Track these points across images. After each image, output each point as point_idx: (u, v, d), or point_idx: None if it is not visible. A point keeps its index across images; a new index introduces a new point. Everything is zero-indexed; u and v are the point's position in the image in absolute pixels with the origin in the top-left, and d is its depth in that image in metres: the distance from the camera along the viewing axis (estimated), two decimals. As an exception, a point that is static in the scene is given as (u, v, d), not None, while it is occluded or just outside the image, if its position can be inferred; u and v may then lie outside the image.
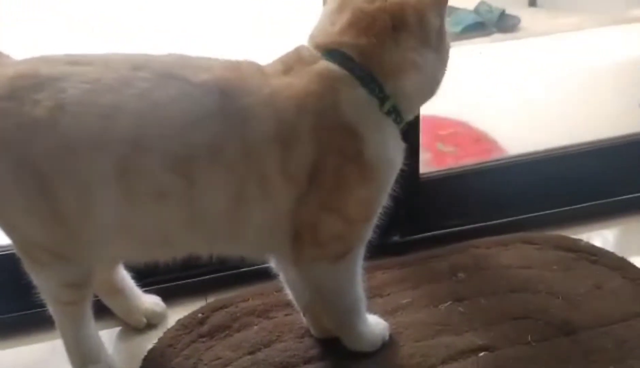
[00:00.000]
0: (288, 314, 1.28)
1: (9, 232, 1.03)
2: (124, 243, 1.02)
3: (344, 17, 0.97)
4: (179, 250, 1.07)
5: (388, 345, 1.18)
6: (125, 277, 1.28)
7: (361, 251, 1.09)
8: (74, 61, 0.94)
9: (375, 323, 1.19)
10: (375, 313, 1.23)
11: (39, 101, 0.90)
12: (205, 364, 1.18)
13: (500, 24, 3.15)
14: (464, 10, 3.25)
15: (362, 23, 0.96)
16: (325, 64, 0.96)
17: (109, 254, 1.10)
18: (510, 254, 1.40)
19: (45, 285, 1.08)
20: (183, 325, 1.27)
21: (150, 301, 1.33)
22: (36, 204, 0.95)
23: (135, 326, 1.31)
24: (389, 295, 1.32)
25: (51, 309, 1.12)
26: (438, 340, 1.19)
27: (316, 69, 0.96)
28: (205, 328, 1.26)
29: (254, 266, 1.36)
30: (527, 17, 3.24)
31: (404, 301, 1.29)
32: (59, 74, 0.92)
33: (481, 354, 1.15)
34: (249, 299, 1.32)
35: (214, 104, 0.92)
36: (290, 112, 0.94)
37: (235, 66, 0.97)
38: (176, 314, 1.32)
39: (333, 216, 1.00)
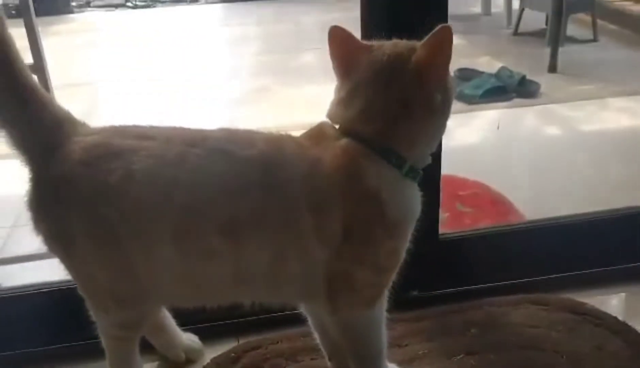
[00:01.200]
0: (314, 358, 1.40)
1: (83, 279, 1.17)
2: (179, 293, 1.16)
3: (357, 104, 1.08)
4: (225, 299, 1.20)
5: (404, 392, 1.30)
6: (167, 316, 1.42)
7: (385, 300, 1.20)
8: (141, 134, 1.09)
9: None
10: (393, 361, 1.34)
11: (113, 169, 1.04)
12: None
13: (520, 89, 3.28)
14: (486, 74, 3.41)
15: (374, 109, 1.07)
16: (347, 141, 1.09)
17: (165, 301, 1.25)
18: (520, 313, 1.51)
19: (105, 324, 1.21)
20: (217, 363, 1.40)
21: (189, 338, 1.46)
22: (108, 258, 1.09)
23: (175, 360, 1.44)
24: (407, 345, 1.43)
25: (105, 342, 1.25)
26: (450, 389, 1.30)
27: (340, 145, 1.08)
28: (238, 367, 1.38)
29: (283, 311, 1.50)
30: (547, 83, 3.38)
31: (421, 352, 1.41)
32: (128, 147, 1.06)
33: (489, 405, 1.26)
34: (278, 342, 1.44)
35: (256, 177, 1.06)
36: (322, 183, 1.06)
37: (277, 140, 1.11)
38: (210, 353, 1.45)
39: (366, 268, 1.11)
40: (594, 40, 4.18)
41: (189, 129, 1.13)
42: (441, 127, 1.14)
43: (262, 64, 4.23)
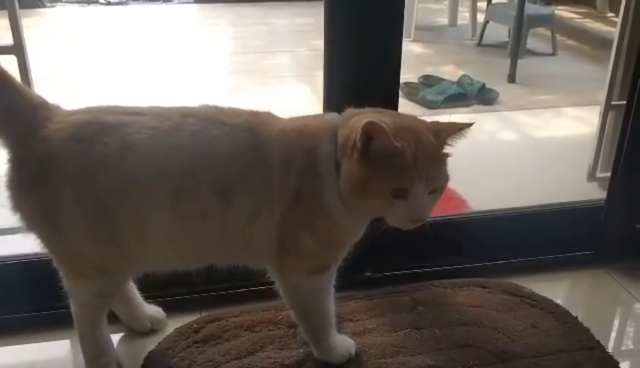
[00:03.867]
0: (271, 329, 1.49)
1: (66, 251, 1.23)
2: (165, 256, 1.25)
3: (345, 132, 1.18)
4: (205, 261, 1.30)
5: (354, 360, 1.40)
6: (133, 289, 1.50)
7: (331, 275, 1.32)
8: (131, 111, 1.18)
9: (344, 340, 1.40)
10: (346, 334, 1.45)
11: (107, 143, 1.13)
12: (199, 365, 1.39)
13: (480, 96, 3.44)
14: (448, 81, 3.55)
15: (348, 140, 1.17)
16: (331, 115, 1.27)
17: (148, 267, 1.32)
18: (464, 294, 1.63)
19: (83, 292, 1.28)
20: (180, 333, 1.49)
21: (154, 309, 1.54)
22: (97, 230, 1.17)
23: (140, 330, 1.52)
24: (358, 320, 1.54)
25: (77, 311, 1.32)
26: (395, 359, 1.40)
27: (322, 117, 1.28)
28: (199, 336, 1.47)
29: (243, 287, 1.61)
30: (505, 92, 3.55)
31: (370, 326, 1.51)
32: (123, 122, 1.15)
33: (430, 373, 1.37)
34: (238, 315, 1.53)
35: (245, 140, 1.18)
36: (291, 145, 1.19)
37: (257, 113, 1.25)
38: (174, 324, 1.53)
39: (308, 235, 1.22)
40: (553, 54, 4.37)
41: (177, 106, 1.23)
42: None
43: (235, 64, 4.31)
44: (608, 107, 2.02)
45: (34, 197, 1.16)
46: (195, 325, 1.50)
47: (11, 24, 1.48)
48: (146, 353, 1.44)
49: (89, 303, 1.31)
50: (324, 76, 1.57)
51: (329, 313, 1.35)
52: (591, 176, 2.06)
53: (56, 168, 1.14)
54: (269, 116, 1.26)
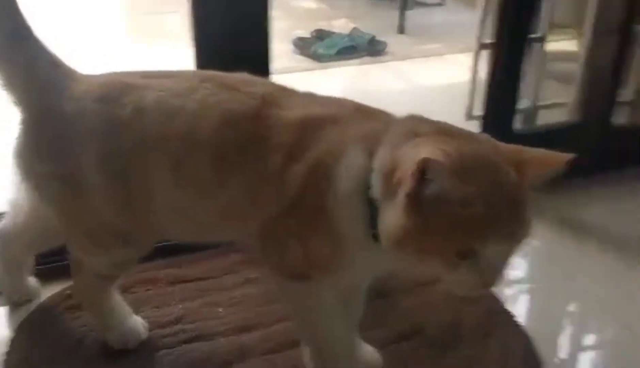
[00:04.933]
0: (149, 289, 1.46)
1: (86, 218, 1.14)
2: (178, 228, 1.15)
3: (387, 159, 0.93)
4: (212, 236, 1.22)
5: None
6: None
7: (327, 289, 1.08)
8: (152, 75, 1.11)
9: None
10: (227, 287, 1.45)
11: (126, 104, 1.06)
12: (72, 328, 1.35)
13: (370, 48, 3.47)
14: (339, 34, 3.56)
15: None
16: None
17: (167, 237, 1.23)
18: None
19: (100, 263, 1.20)
20: (52, 300, 1.43)
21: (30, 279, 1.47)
22: (115, 191, 1.09)
23: (16, 301, 1.44)
24: (238, 271, 1.53)
25: (88, 284, 1.25)
26: (275, 305, 1.38)
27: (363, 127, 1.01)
28: (71, 302, 1.41)
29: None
30: (394, 43, 3.59)
31: (252, 275, 1.51)
32: (141, 84, 1.08)
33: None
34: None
35: (254, 107, 1.04)
36: (308, 134, 1.00)
37: (281, 86, 1.11)
38: (47, 292, 1.47)
39: (297, 243, 1.03)
40: (440, 4, 4.45)
41: (206, 72, 1.15)
42: None
43: (120, 24, 4.15)
44: (479, 49, 2.08)
45: (54, 162, 1.09)
46: (68, 292, 1.44)
47: None
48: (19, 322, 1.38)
49: (106, 275, 1.23)
50: (191, 37, 1.51)
51: (336, 336, 1.12)
52: (469, 115, 2.12)
53: (83, 128, 1.08)
54: (303, 97, 1.08)
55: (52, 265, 1.53)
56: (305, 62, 3.31)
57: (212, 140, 1.04)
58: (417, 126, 0.95)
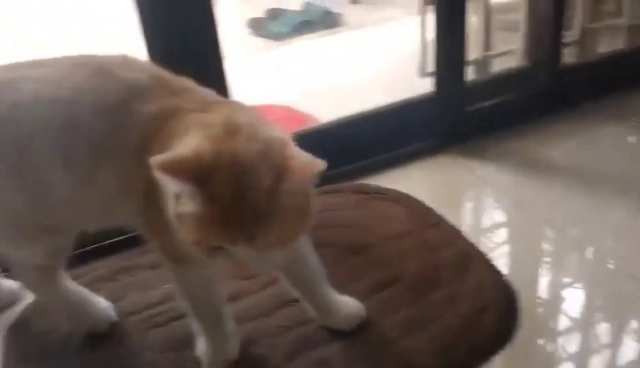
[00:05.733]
0: (132, 275, 1.49)
1: (10, 218, 1.11)
2: (75, 215, 1.12)
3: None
4: (104, 223, 1.18)
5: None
6: None
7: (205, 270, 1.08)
8: (33, 64, 1.07)
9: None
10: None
11: (2, 101, 1.02)
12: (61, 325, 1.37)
13: (324, 21, 3.51)
14: (292, 11, 3.59)
15: None
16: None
17: (84, 227, 1.19)
18: (317, 201, 1.69)
19: (30, 256, 1.17)
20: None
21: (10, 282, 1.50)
22: (18, 192, 1.06)
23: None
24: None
25: (31, 278, 1.23)
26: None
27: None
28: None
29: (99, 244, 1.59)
30: (349, 13, 3.63)
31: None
32: (17, 77, 1.04)
33: (291, 277, 1.43)
34: (98, 268, 1.52)
35: (119, 98, 1.01)
36: (155, 128, 0.99)
37: (165, 77, 1.05)
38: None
39: (157, 235, 1.06)
40: (390, -30, 4.49)
41: (83, 55, 1.09)
42: None
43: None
44: (424, 6, 2.15)
45: None
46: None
47: None
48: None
49: (45, 265, 1.21)
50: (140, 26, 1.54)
51: (214, 312, 1.17)
52: (422, 73, 2.18)
53: None
54: (177, 83, 1.05)
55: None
56: (262, 41, 3.34)
57: (85, 132, 1.02)
58: (206, 117, 0.95)
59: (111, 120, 1.01)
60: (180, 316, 1.36)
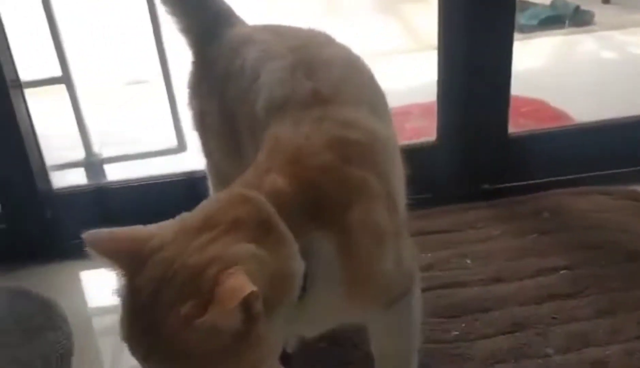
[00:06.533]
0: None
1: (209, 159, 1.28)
2: None
3: None
4: None
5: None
6: None
7: None
8: (275, 31, 1.16)
9: None
10: (467, 242, 1.50)
11: (241, 56, 1.12)
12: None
13: (574, 18, 3.34)
14: (541, 5, 3.46)
15: None
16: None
17: None
18: (587, 201, 1.63)
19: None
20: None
21: None
22: (230, 141, 1.14)
23: None
24: (481, 227, 1.57)
25: None
26: (525, 261, 1.43)
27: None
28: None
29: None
30: (600, 12, 3.41)
31: (495, 232, 1.54)
32: (257, 40, 1.13)
33: (562, 272, 1.39)
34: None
35: None
36: None
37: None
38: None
39: None
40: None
41: (301, 28, 1.18)
42: None
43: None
44: None
45: (198, 100, 1.22)
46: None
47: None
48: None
49: None
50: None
51: None
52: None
53: (213, 71, 1.17)
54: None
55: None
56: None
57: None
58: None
59: None
60: (445, 286, 1.39)
